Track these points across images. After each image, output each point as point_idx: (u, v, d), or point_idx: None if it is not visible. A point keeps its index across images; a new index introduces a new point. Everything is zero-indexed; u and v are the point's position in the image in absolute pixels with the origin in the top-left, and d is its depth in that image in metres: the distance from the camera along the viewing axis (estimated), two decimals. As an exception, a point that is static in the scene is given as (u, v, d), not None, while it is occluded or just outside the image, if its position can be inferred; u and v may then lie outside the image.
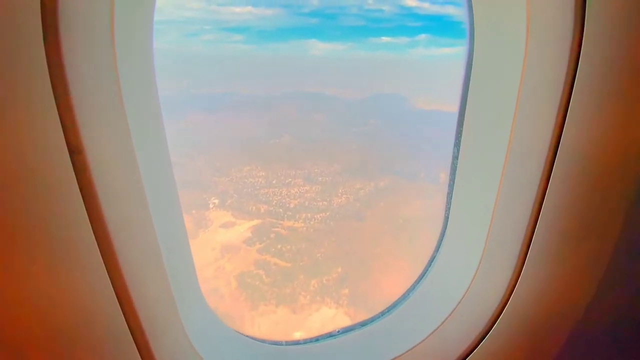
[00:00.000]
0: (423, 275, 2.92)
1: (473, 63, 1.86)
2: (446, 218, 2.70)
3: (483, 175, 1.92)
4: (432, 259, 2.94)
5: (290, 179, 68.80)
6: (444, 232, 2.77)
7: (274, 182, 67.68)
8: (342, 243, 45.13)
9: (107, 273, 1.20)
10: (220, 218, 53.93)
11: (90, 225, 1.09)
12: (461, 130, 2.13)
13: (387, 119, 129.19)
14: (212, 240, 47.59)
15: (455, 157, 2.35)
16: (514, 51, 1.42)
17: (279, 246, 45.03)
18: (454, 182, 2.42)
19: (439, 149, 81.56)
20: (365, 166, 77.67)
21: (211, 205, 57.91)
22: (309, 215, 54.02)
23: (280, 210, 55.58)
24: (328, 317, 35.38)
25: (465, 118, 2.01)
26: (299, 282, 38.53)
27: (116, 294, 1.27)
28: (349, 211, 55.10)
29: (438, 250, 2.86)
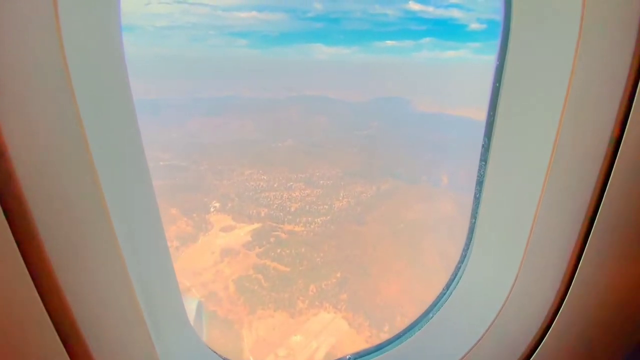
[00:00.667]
0: (446, 291, 2.62)
1: (507, 63, 1.73)
2: (472, 226, 2.47)
3: (519, 181, 1.81)
4: (456, 273, 2.61)
5: (291, 183, 68.74)
6: (470, 242, 2.56)
7: (275, 185, 67.66)
8: (342, 247, 44.78)
9: (36, 283, 1.06)
10: (221, 221, 53.96)
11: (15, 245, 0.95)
12: (491, 132, 2.00)
13: (390, 122, 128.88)
14: (212, 243, 47.58)
15: (483, 162, 2.17)
16: (561, 51, 1.35)
17: (279, 250, 44.83)
18: (481, 188, 2.21)
19: (442, 152, 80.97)
20: (367, 169, 77.34)
21: (212, 209, 58.03)
22: (309, 219, 53.79)
23: (281, 214, 55.45)
24: (326, 321, 35.01)
25: (496, 120, 1.88)
26: (298, 286, 38.25)
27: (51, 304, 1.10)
28: (350, 215, 54.75)
29: (464, 262, 2.59)
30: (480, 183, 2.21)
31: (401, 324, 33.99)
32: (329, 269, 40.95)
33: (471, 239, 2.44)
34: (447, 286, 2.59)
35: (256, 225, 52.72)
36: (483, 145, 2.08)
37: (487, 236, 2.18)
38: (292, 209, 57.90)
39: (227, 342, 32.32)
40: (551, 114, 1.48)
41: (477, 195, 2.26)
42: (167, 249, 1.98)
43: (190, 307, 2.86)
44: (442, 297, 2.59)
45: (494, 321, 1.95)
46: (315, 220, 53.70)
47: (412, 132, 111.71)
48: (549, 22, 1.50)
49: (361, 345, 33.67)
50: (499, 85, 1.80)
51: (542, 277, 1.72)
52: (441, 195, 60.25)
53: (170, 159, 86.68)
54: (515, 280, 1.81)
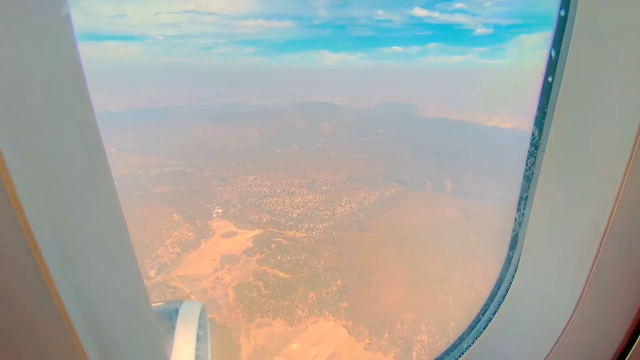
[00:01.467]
0: (485, 313, 2.41)
1: (567, 65, 1.58)
2: (515, 237, 2.21)
3: (587, 186, 1.61)
4: (496, 290, 2.40)
5: (294, 188, 68.61)
6: (512, 257, 2.25)
7: (277, 191, 67.62)
8: (343, 254, 44.21)
9: None
10: (223, 228, 53.98)
11: None
12: (542, 132, 1.82)
13: (396, 128, 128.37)
14: (213, 250, 47.50)
15: (530, 167, 1.95)
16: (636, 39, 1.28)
17: (279, 257, 44.48)
18: (527, 195, 2.00)
19: (447, 158, 79.93)
20: (371, 175, 76.75)
21: (214, 215, 58.17)
22: (311, 225, 53.40)
23: (283, 219, 55.18)
24: (325, 330, 34.39)
25: (554, 119, 1.68)
26: (298, 294, 37.76)
27: None
28: (352, 221, 54.15)
29: (505, 278, 2.36)
30: (526, 188, 2.00)
31: (401, 331, 33.19)
32: (330, 277, 40.40)
33: (514, 247, 2.18)
34: (485, 309, 2.43)
35: (258, 232, 52.54)
36: (533, 143, 1.86)
37: (541, 249, 1.95)
38: (294, 215, 57.61)
39: (224, 350, 31.93)
40: (630, 109, 1.32)
41: (523, 201, 2.09)
42: (132, 257, 1.77)
43: (195, 310, 2.73)
44: (480, 320, 2.43)
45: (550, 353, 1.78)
46: (317, 226, 53.28)
47: (418, 137, 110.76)
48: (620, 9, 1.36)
49: (360, 353, 32.93)
50: (552, 79, 1.65)
51: (610, 308, 1.59)
52: (445, 201, 59.10)
53: (176, 165, 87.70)
54: (580, 301, 1.62)
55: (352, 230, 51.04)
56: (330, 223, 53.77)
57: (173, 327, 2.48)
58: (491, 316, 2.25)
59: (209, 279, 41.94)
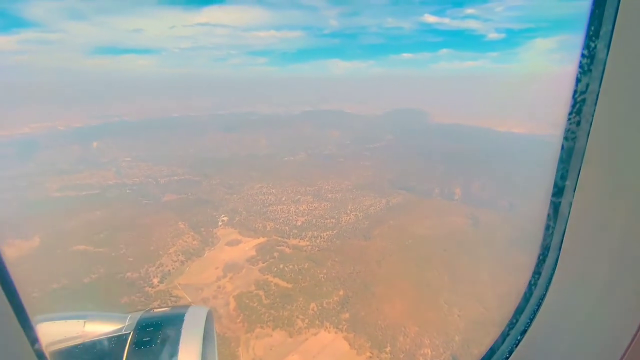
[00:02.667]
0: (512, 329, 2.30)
1: (607, 66, 1.50)
2: (546, 249, 1.99)
3: (628, 198, 1.52)
4: (523, 306, 2.21)
5: (300, 196, 68.30)
6: (542, 271, 2.08)
7: (283, 199, 67.42)
8: (346, 263, 43.37)
9: None
10: (227, 236, 53.96)
11: None
12: (573, 142, 1.67)
13: (405, 135, 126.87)
14: (216, 258, 47.44)
15: (563, 175, 1.79)
16: None
17: (281, 265, 43.96)
18: (558, 205, 1.80)
19: (456, 164, 78.06)
20: (378, 182, 75.69)
21: (220, 223, 58.32)
22: (315, 233, 52.76)
23: (287, 228, 54.73)
24: (326, 342, 33.50)
25: (593, 129, 1.57)
26: (298, 304, 37.09)
27: None
28: (357, 229, 53.16)
29: (534, 293, 2.17)
30: (557, 197, 1.80)
31: (404, 345, 31.98)
32: (332, 287, 39.59)
33: (544, 259, 1.98)
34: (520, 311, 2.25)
35: (261, 240, 52.21)
36: (565, 149, 1.68)
37: (582, 265, 1.80)
38: (299, 223, 57.05)
39: (222, 361, 31.50)
40: None
41: (554, 212, 1.87)
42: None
43: (201, 316, 2.80)
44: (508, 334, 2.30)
45: None
46: (321, 234, 52.57)
47: (427, 144, 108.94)
48: None
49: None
50: (588, 83, 1.54)
51: None
52: (453, 208, 57.22)
53: (185, 173, 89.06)
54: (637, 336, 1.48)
55: (356, 238, 50.16)
56: (334, 231, 53.05)
57: (179, 332, 2.57)
58: (522, 333, 2.14)
59: (211, 287, 41.80)
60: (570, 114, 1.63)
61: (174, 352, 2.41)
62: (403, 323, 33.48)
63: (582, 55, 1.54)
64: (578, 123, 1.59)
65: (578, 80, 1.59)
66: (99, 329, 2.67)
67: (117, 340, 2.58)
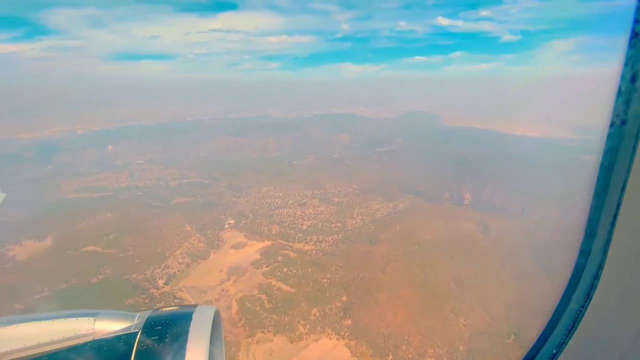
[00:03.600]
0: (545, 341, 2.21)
1: None
2: (584, 261, 1.93)
3: None
4: (556, 319, 2.11)
5: (306, 200, 68.06)
6: (579, 284, 1.99)
7: (290, 202, 67.34)
8: (350, 268, 42.75)
9: None
10: (233, 239, 54.19)
11: None
12: (618, 146, 1.61)
13: (416, 138, 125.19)
14: (221, 261, 47.62)
15: (604, 185, 1.71)
16: None
17: (285, 269, 43.70)
18: (602, 204, 1.74)
19: (467, 169, 76.22)
20: (386, 186, 74.68)
21: (226, 226, 58.67)
22: (320, 237, 52.31)
23: (292, 231, 54.52)
24: (327, 348, 32.94)
25: None
26: (300, 309, 36.69)
27: None
28: (363, 234, 52.40)
29: (569, 307, 2.06)
30: (602, 197, 1.71)
31: (407, 354, 31.09)
32: (335, 292, 39.04)
33: (580, 271, 1.94)
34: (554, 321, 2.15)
35: (266, 243, 52.14)
36: (610, 150, 1.62)
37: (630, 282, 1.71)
38: (304, 227, 56.72)
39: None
40: None
41: (594, 223, 1.80)
42: None
43: (208, 315, 2.82)
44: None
45: None
46: (326, 238, 52.08)
47: (438, 147, 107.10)
48: None
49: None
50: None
51: None
52: (462, 214, 55.56)
53: (195, 176, 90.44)
54: None
55: (361, 243, 49.45)
56: (339, 235, 52.50)
57: (187, 332, 2.59)
58: (558, 346, 2.02)
59: (215, 290, 41.93)
60: (616, 114, 1.53)
61: (182, 352, 2.45)
62: (406, 331, 32.59)
63: (628, 56, 1.43)
64: (624, 122, 1.49)
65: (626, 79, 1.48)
66: (109, 327, 2.75)
67: (126, 339, 2.65)
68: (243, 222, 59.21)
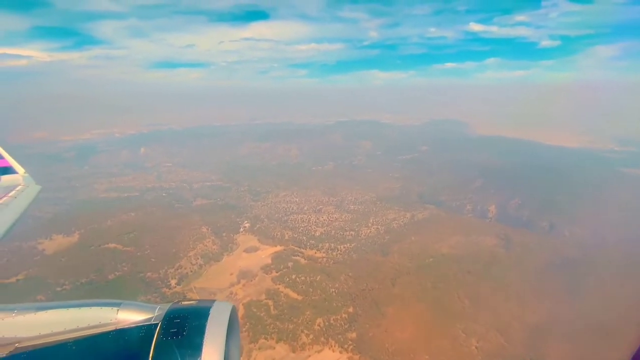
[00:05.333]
0: None
1: None
2: None
3: None
4: None
5: (322, 206, 67.42)
6: None
7: (305, 208, 67.01)
8: (359, 279, 41.45)
9: None
10: (247, 242, 54.59)
11: None
12: None
13: (441, 146, 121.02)
14: (233, 264, 48.01)
15: None
16: None
17: (294, 276, 43.16)
18: None
19: (494, 179, 72.10)
20: (406, 195, 72.38)
21: (241, 229, 59.34)
22: (332, 245, 51.33)
23: (304, 237, 53.94)
24: (330, 361, 31.87)
25: None
26: (305, 318, 35.92)
27: None
28: (376, 244, 50.71)
29: None
30: None
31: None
32: (342, 302, 37.92)
33: None
34: None
35: (278, 248, 51.93)
36: None
37: None
38: (317, 234, 55.97)
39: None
40: None
41: None
42: None
43: (225, 311, 3.00)
44: None
45: None
46: (338, 247, 50.97)
47: (465, 156, 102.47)
48: None
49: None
50: None
51: None
52: (484, 227, 52.06)
53: (217, 180, 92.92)
54: None
55: (374, 253, 47.94)
56: (352, 244, 51.27)
57: (204, 327, 2.75)
58: None
59: (224, 293, 42.19)
60: None
61: (199, 346, 2.59)
62: (413, 349, 30.75)
63: None
64: None
65: None
66: (131, 317, 2.99)
67: (147, 330, 2.84)
68: (258, 226, 59.63)
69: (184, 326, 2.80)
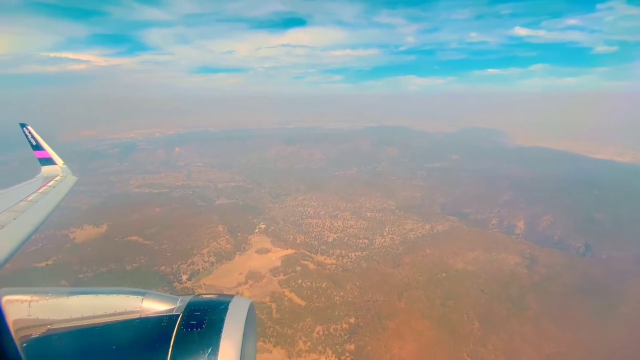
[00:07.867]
0: None
1: None
2: None
3: None
4: None
5: (338, 212, 66.49)
6: None
7: (321, 213, 66.48)
8: (366, 289, 40.09)
9: None
10: (260, 243, 55.23)
11: None
12: None
13: (474, 155, 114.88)
14: (243, 264, 48.73)
15: None
16: None
17: (300, 281, 42.77)
18: None
19: (525, 193, 66.62)
20: (427, 205, 69.29)
21: (256, 230, 60.23)
22: (343, 252, 50.28)
23: (316, 242, 53.38)
24: (325, 372, 30.98)
25: None
26: (305, 324, 35.35)
27: None
28: (388, 254, 48.81)
29: None
30: None
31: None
32: (344, 312, 36.85)
33: None
34: None
35: (289, 252, 51.86)
36: None
37: None
38: (330, 239, 55.12)
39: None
40: None
41: None
42: None
43: (243, 307, 3.10)
44: None
45: None
46: (349, 254, 49.74)
47: (498, 167, 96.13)
48: None
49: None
50: None
51: None
52: (509, 244, 47.85)
53: (241, 180, 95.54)
54: None
55: (384, 263, 46.21)
56: (364, 253, 49.86)
57: (223, 320, 2.88)
58: None
59: (231, 292, 42.77)
60: None
61: (217, 339, 2.70)
62: (412, 369, 28.96)
63: None
64: None
65: None
66: (154, 306, 3.12)
67: (169, 320, 2.96)
68: (272, 228, 60.15)
69: (204, 319, 2.91)
